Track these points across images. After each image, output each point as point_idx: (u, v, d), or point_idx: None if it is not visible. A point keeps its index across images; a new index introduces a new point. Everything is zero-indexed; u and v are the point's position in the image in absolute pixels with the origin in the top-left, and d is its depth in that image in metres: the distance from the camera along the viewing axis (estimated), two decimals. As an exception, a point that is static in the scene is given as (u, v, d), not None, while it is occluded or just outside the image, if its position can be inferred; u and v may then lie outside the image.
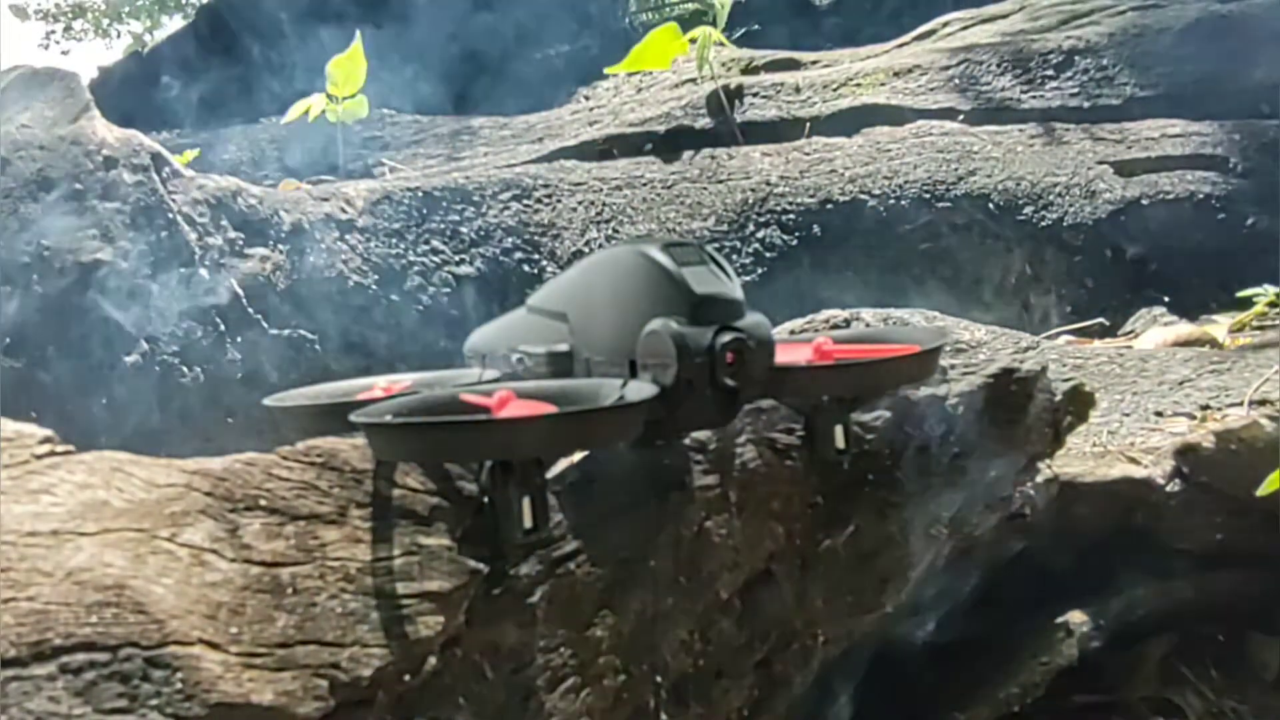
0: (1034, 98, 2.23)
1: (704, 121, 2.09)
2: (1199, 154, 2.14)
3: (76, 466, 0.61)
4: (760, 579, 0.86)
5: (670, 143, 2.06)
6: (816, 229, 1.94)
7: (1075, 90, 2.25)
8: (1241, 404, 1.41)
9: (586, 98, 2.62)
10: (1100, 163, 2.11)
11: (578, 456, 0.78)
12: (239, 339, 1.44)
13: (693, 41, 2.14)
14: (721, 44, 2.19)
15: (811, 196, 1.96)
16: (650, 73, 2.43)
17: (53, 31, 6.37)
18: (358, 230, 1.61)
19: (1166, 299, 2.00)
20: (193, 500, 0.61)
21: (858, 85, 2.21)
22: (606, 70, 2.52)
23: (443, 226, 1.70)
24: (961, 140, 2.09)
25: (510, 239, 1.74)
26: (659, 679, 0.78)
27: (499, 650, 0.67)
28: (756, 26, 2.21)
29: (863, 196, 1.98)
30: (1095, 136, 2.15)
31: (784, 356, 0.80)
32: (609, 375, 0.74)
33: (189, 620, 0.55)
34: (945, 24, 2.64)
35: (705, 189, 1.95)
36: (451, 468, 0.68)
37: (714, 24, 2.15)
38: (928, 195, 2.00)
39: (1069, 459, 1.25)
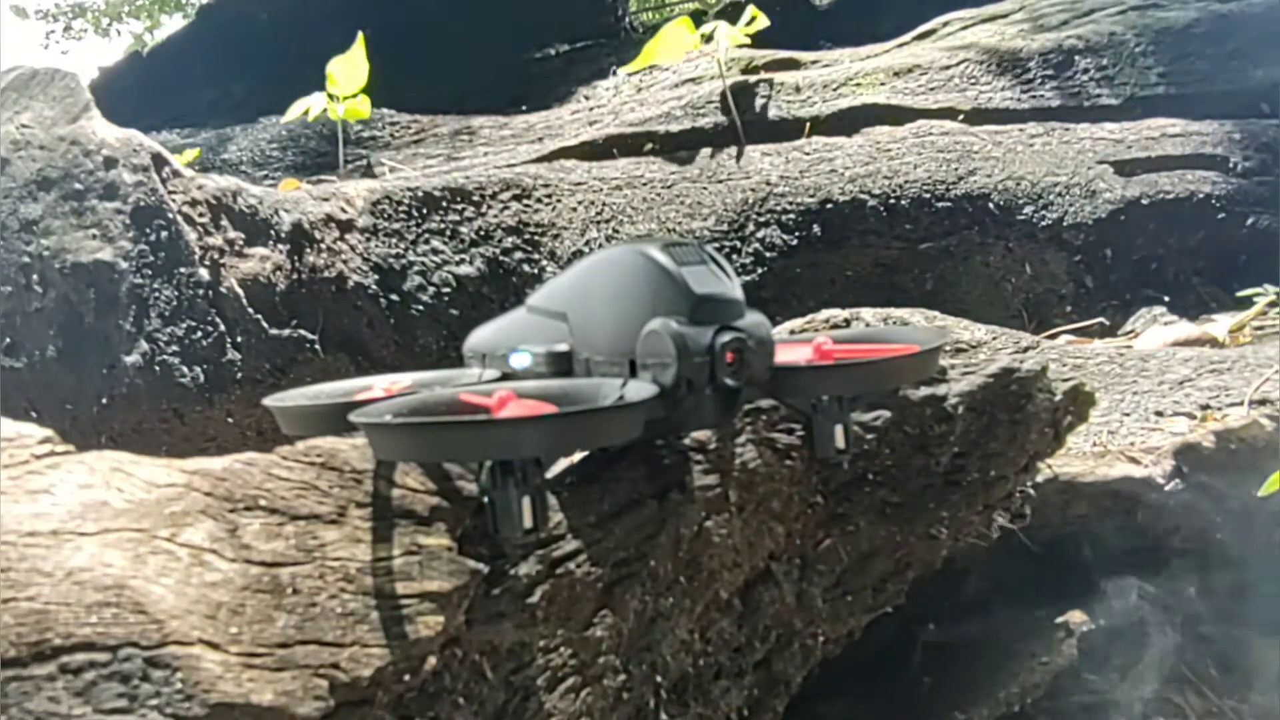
0: (1034, 97, 2.23)
1: (705, 121, 2.09)
2: (1199, 154, 2.14)
3: (76, 466, 0.61)
4: (760, 579, 0.86)
5: (672, 142, 2.06)
6: (816, 229, 1.94)
7: (1075, 90, 2.25)
8: (1241, 404, 1.41)
9: (586, 97, 2.62)
10: (1100, 163, 2.10)
11: (578, 456, 0.78)
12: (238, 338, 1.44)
13: (706, 39, 2.13)
14: (745, 44, 2.18)
15: (811, 196, 1.96)
16: (650, 72, 2.43)
17: (53, 31, 6.38)
18: (357, 229, 1.61)
19: (1166, 299, 2.00)
20: (193, 500, 0.61)
21: (858, 85, 2.21)
22: (620, 70, 2.51)
23: (443, 226, 1.70)
24: (961, 140, 2.09)
25: (510, 239, 1.74)
26: (659, 679, 0.78)
27: (499, 650, 0.68)
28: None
29: (863, 196, 1.98)
30: (1095, 136, 2.15)
31: (784, 356, 0.80)
32: (609, 375, 0.75)
33: (189, 620, 0.55)
34: (945, 24, 2.64)
35: (705, 189, 1.95)
36: (451, 468, 0.68)
37: (730, 21, 2.15)
38: (928, 195, 2.00)
39: (1069, 459, 1.25)
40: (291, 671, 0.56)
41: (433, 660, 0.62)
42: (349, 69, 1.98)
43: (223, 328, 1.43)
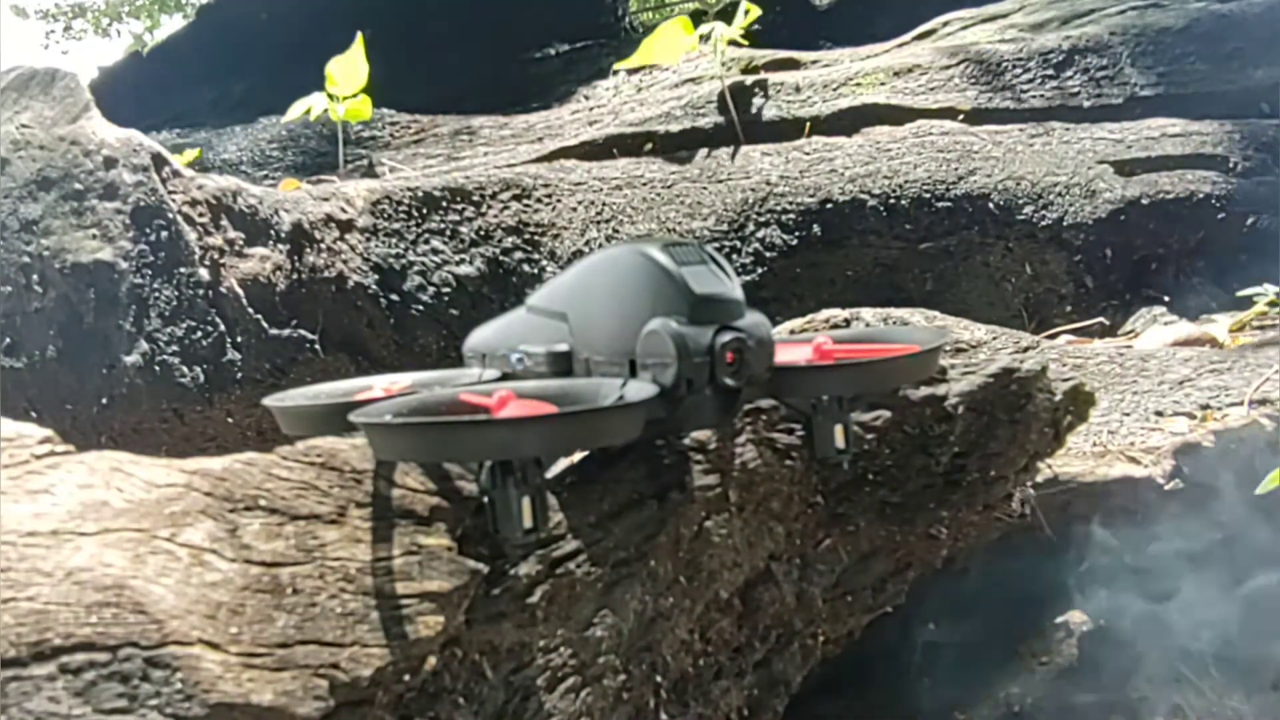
0: (1034, 97, 2.23)
1: (705, 121, 2.09)
2: (1199, 154, 2.14)
3: (76, 466, 0.61)
4: (760, 579, 0.86)
5: (672, 142, 2.06)
6: (816, 229, 1.94)
7: (1075, 90, 2.25)
8: (1241, 404, 1.41)
9: (586, 97, 2.62)
10: (1100, 163, 2.10)
11: (578, 456, 0.78)
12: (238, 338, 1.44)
13: (703, 39, 2.13)
14: (738, 43, 2.18)
15: (811, 196, 1.96)
16: (650, 72, 2.43)
17: (53, 31, 6.38)
18: (357, 229, 1.61)
19: (1166, 299, 2.00)
20: (193, 500, 0.61)
21: (858, 85, 2.21)
22: (616, 66, 2.51)
23: (443, 226, 1.70)
24: (961, 140, 2.09)
25: (510, 239, 1.74)
26: (659, 679, 0.78)
27: (499, 650, 0.68)
28: (756, 26, 2.21)
29: (863, 196, 1.98)
30: (1095, 136, 2.15)
31: (784, 356, 0.80)
32: (609, 375, 0.75)
33: (189, 620, 0.55)
34: (945, 23, 2.64)
35: (705, 189, 1.95)
36: (451, 468, 0.68)
37: (729, 21, 2.15)
38: (928, 195, 2.00)
39: (1069, 459, 1.25)
40: (291, 671, 0.56)
41: (433, 660, 0.62)
42: (348, 69, 1.98)
43: (223, 328, 1.43)
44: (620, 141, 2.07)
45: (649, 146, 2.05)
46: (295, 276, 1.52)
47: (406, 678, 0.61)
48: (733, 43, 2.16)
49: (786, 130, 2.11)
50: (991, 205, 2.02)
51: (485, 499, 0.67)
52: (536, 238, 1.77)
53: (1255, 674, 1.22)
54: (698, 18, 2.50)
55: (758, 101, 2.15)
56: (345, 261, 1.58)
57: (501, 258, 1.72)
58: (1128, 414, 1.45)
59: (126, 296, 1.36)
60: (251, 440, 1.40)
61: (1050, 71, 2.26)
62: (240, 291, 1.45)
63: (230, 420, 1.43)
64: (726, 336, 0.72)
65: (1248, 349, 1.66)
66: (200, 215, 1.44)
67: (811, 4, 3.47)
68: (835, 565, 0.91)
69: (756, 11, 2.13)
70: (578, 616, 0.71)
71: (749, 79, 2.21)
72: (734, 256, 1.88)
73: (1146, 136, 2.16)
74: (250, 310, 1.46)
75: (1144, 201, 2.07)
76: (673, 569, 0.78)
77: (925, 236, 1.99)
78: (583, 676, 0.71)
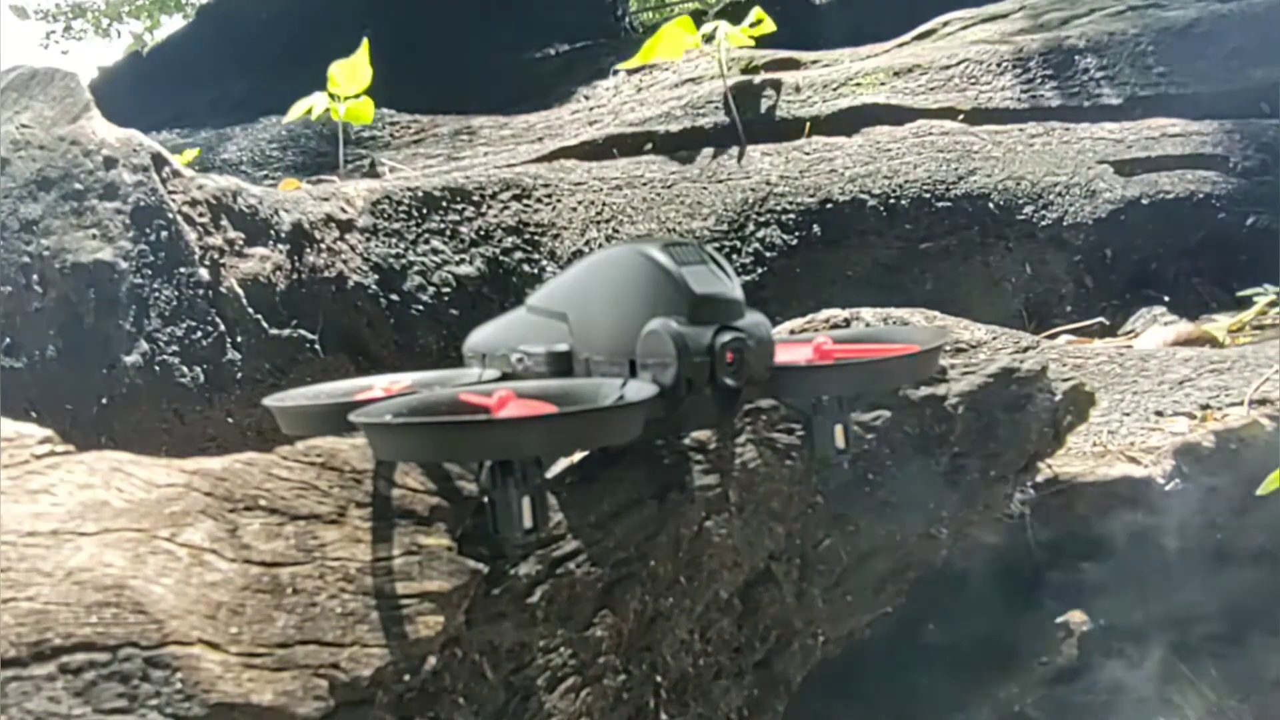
0: (1034, 97, 2.23)
1: (705, 121, 2.09)
2: (1199, 154, 2.14)
3: (76, 466, 0.61)
4: (760, 579, 0.86)
5: (672, 142, 2.06)
6: (816, 229, 1.94)
7: (1075, 90, 2.25)
8: (1241, 404, 1.41)
9: (586, 97, 2.62)
10: (1100, 163, 2.10)
11: (578, 456, 0.78)
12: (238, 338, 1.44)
13: (707, 39, 2.13)
14: (747, 45, 2.18)
15: (811, 196, 1.96)
16: (650, 72, 2.43)
17: (53, 31, 6.38)
18: (357, 229, 1.61)
19: (1166, 299, 2.00)
20: (192, 500, 0.61)
21: (858, 85, 2.21)
22: (618, 67, 2.51)
23: (443, 226, 1.70)
24: (961, 140, 2.08)
25: (510, 239, 1.74)
26: (659, 679, 0.78)
27: (499, 650, 0.68)
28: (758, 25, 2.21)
29: (863, 196, 1.98)
30: (1095, 136, 2.15)
31: (784, 356, 0.80)
32: (609, 375, 0.75)
33: (189, 620, 0.55)
34: (945, 24, 2.64)
35: (705, 189, 1.95)
36: (451, 468, 0.68)
37: (731, 21, 2.15)
38: (928, 195, 2.00)
39: (1069, 459, 1.25)
40: (291, 671, 0.56)
41: (433, 660, 0.62)
42: (352, 72, 1.98)
43: (223, 328, 1.43)
44: (620, 141, 2.07)
45: (649, 146, 2.05)
46: (295, 276, 1.51)
47: (406, 678, 0.61)
48: (742, 46, 2.16)
49: (786, 130, 2.11)
50: (991, 205, 2.02)
51: (485, 499, 0.67)
52: (536, 238, 1.77)
53: (1255, 674, 1.22)
54: (698, 18, 2.49)
55: (758, 101, 2.15)
56: (345, 261, 1.58)
57: (501, 258, 1.72)
58: (1128, 414, 1.45)
59: (126, 296, 1.36)
60: (251, 440, 1.40)
61: (1050, 71, 2.26)
62: (240, 291, 1.45)
63: (230, 420, 1.43)
64: (726, 336, 0.72)
65: (1248, 349, 1.66)
66: (200, 215, 1.44)
67: (811, 4, 3.47)
68: (835, 565, 0.91)
69: (770, 26, 2.12)
70: (578, 616, 0.71)
71: (751, 79, 2.21)
72: (734, 256, 1.88)
73: (1146, 136, 2.16)
74: (250, 310, 1.46)
75: (1144, 201, 2.07)
76: (673, 569, 0.78)
77: (925, 236, 1.99)
78: (583, 676, 0.71)
